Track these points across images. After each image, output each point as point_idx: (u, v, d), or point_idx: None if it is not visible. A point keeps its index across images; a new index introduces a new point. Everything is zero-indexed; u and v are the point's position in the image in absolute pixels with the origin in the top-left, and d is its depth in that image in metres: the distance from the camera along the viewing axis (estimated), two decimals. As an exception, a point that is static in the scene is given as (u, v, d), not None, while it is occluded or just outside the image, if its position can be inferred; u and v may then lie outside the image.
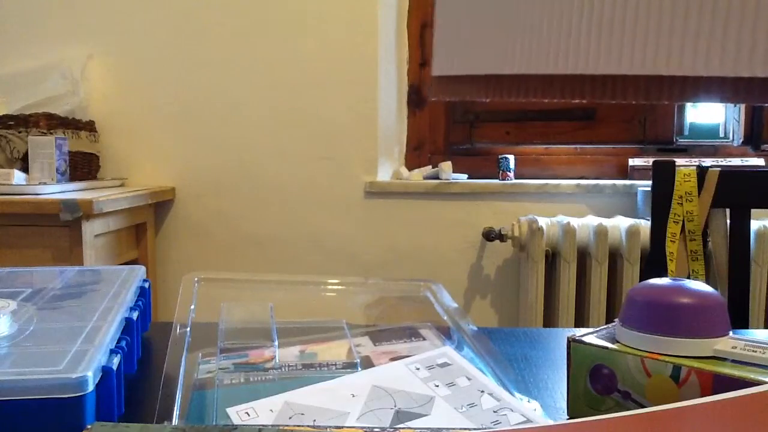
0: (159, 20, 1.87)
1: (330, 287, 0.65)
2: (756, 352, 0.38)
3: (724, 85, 0.20)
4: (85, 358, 0.41)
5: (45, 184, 1.55)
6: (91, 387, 0.38)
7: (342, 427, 0.34)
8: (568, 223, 1.63)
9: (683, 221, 1.11)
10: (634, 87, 0.22)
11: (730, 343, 0.39)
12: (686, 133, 1.90)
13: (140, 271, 0.65)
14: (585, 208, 1.81)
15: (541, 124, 1.92)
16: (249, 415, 0.40)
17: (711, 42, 0.20)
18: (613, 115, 1.90)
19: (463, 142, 1.96)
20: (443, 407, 0.41)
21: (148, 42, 1.88)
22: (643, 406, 0.39)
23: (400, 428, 0.35)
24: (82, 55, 1.87)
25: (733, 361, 0.38)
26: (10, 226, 1.44)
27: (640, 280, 1.02)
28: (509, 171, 1.83)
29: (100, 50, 1.89)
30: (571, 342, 0.43)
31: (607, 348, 0.41)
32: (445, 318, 0.60)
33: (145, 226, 1.82)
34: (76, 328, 0.47)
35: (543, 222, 1.65)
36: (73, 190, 1.60)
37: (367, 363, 0.51)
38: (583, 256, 1.67)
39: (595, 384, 0.42)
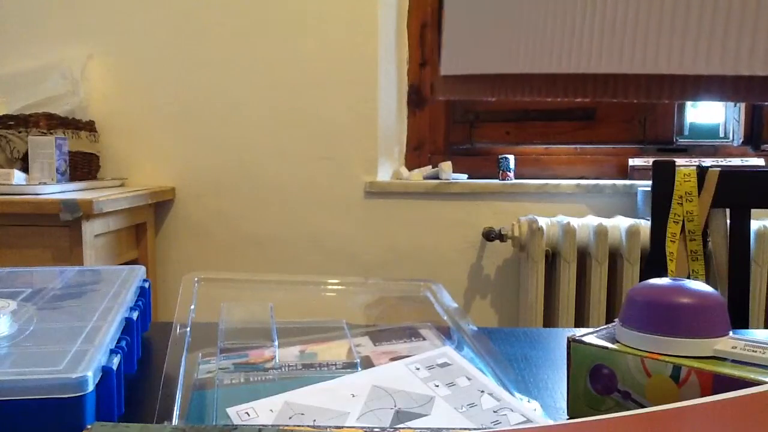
0: (159, 20, 1.87)
1: (330, 287, 0.65)
2: (756, 352, 0.38)
3: (724, 83, 0.20)
4: (85, 358, 0.41)
5: (45, 184, 1.55)
6: (91, 387, 0.38)
7: (342, 427, 0.34)
8: (568, 223, 1.63)
9: (683, 221, 1.11)
10: (635, 86, 0.22)
11: (730, 343, 0.39)
12: (686, 133, 1.90)
13: (140, 271, 0.65)
14: (585, 208, 1.81)
15: (541, 124, 1.92)
16: (249, 415, 0.40)
17: (711, 41, 0.20)
18: (613, 115, 1.90)
19: (463, 142, 1.96)
20: (443, 407, 0.41)
21: (148, 42, 1.88)
22: (643, 406, 0.39)
23: (400, 428, 0.35)
24: (82, 55, 1.87)
25: (733, 361, 0.38)
26: (10, 226, 1.44)
27: (640, 280, 1.02)
28: (509, 171, 1.83)
29: (100, 50, 1.89)
30: (571, 342, 0.43)
31: (607, 348, 0.41)
32: (445, 318, 0.60)
33: (145, 226, 1.82)
34: (76, 328, 0.47)
35: (543, 222, 1.65)
36: (73, 190, 1.60)
37: (367, 363, 0.51)
38: (583, 256, 1.67)
39: (595, 384, 0.42)
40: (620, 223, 1.64)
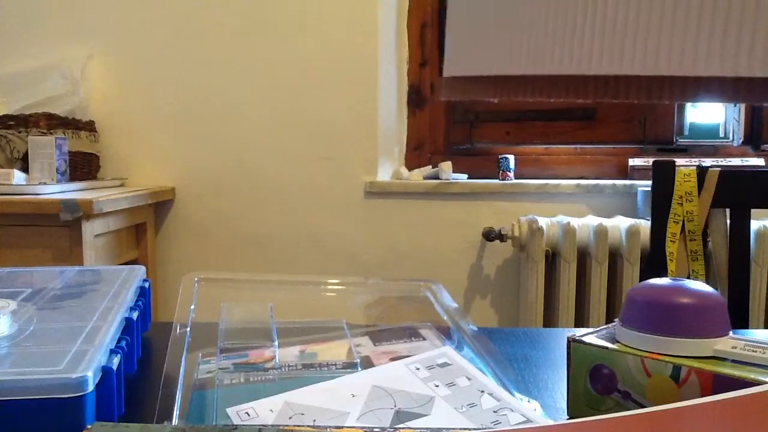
0: (159, 20, 1.87)
1: (330, 287, 0.65)
2: (756, 352, 0.38)
3: (724, 84, 0.20)
4: (85, 358, 0.41)
5: (45, 184, 1.55)
6: (91, 387, 0.38)
7: (342, 427, 0.34)
8: (568, 223, 1.63)
9: (683, 221, 1.11)
10: (636, 86, 0.22)
11: (730, 343, 0.39)
12: (686, 133, 1.90)
13: (140, 271, 0.65)
14: (585, 208, 1.81)
15: (541, 124, 1.92)
16: (249, 415, 0.40)
17: (711, 42, 0.20)
18: (613, 115, 1.90)
19: (463, 142, 1.96)
20: (443, 407, 0.41)
21: (148, 42, 1.88)
22: (643, 406, 0.39)
23: (400, 428, 0.35)
24: (82, 55, 1.87)
25: (733, 361, 0.38)
26: (10, 226, 1.44)
27: (640, 280, 1.02)
28: (509, 171, 1.83)
29: (100, 50, 1.89)
30: (571, 342, 0.43)
31: (607, 348, 0.41)
32: (445, 318, 0.60)
33: (145, 226, 1.82)
34: (76, 328, 0.47)
35: (543, 222, 1.65)
36: (73, 190, 1.60)
37: (367, 363, 0.51)
38: (583, 256, 1.67)
39: (595, 384, 0.42)
40: (620, 223, 1.64)
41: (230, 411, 0.41)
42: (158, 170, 1.91)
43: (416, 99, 1.95)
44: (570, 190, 1.79)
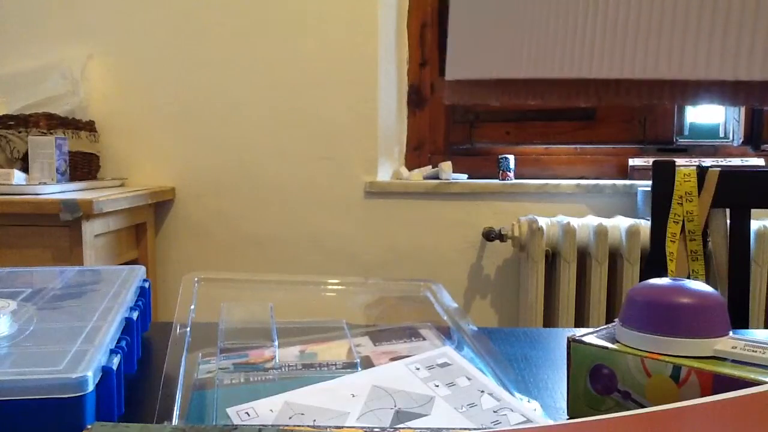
0: (159, 20, 1.87)
1: (330, 287, 0.65)
2: (756, 352, 0.38)
3: (724, 87, 0.21)
4: (85, 358, 0.41)
5: (45, 184, 1.55)
6: (91, 387, 0.38)
7: (342, 427, 0.34)
8: (568, 223, 1.63)
9: (683, 221, 1.11)
10: (637, 89, 0.22)
11: (730, 343, 0.39)
12: (686, 133, 1.90)
13: (140, 271, 0.65)
14: (585, 208, 1.81)
15: (541, 124, 1.92)
16: (249, 415, 0.40)
17: (711, 45, 0.20)
18: (613, 115, 1.90)
19: (463, 142, 1.96)
20: (443, 407, 0.41)
21: (148, 42, 1.88)
22: (643, 406, 0.39)
23: (400, 428, 0.35)
24: (82, 55, 1.87)
25: (733, 361, 0.38)
26: (10, 226, 1.44)
27: (640, 280, 1.02)
28: (509, 171, 1.83)
29: (100, 50, 1.89)
30: (571, 342, 0.43)
31: (607, 348, 0.41)
32: (445, 318, 0.60)
33: (145, 226, 1.82)
34: (76, 328, 0.47)
35: (543, 222, 1.65)
36: (73, 190, 1.60)
37: (367, 363, 0.51)
38: (583, 256, 1.67)
39: (595, 384, 0.42)
40: (620, 223, 1.64)
41: (230, 411, 0.41)
42: (158, 170, 1.91)
43: (416, 99, 1.95)
44: (570, 190, 1.79)
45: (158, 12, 1.87)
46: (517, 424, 0.40)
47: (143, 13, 1.88)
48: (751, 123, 1.86)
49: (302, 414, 0.40)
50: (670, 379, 0.39)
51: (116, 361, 0.43)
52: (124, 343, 0.47)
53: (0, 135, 1.65)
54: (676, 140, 1.89)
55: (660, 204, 1.11)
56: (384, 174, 1.89)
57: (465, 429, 0.37)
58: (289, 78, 1.85)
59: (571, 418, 0.42)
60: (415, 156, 1.97)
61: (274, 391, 0.43)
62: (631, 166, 1.86)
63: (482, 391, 0.43)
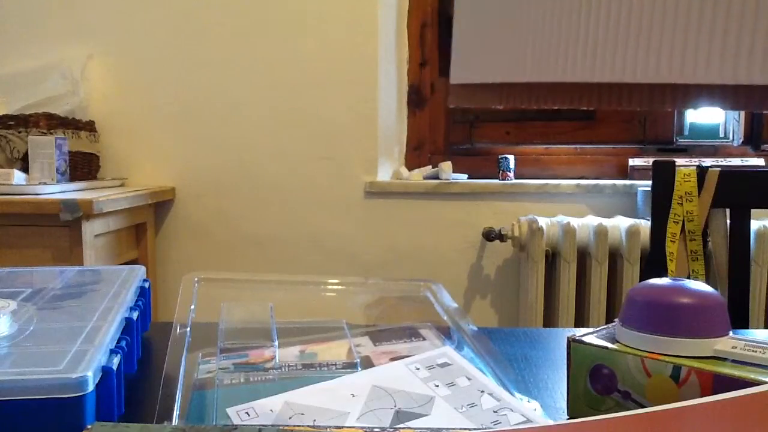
0: (159, 20, 1.87)
1: (330, 287, 0.65)
2: (756, 352, 0.38)
3: (725, 92, 0.21)
4: (85, 358, 0.41)
5: (45, 184, 1.55)
6: (91, 387, 0.38)
7: (342, 427, 0.34)
8: (568, 223, 1.63)
9: (683, 221, 1.11)
10: (638, 94, 0.22)
11: (730, 343, 0.39)
12: (686, 133, 1.90)
13: (140, 271, 0.65)
14: (585, 208, 1.81)
15: (541, 124, 1.92)
16: (249, 415, 0.40)
17: (711, 49, 0.20)
18: (613, 115, 1.90)
19: (463, 142, 1.96)
20: (443, 407, 0.41)
21: (148, 42, 1.88)
22: (643, 406, 0.39)
23: (400, 428, 0.35)
24: (82, 55, 1.87)
25: (733, 361, 0.38)
26: (10, 226, 1.44)
27: (640, 280, 1.02)
28: (509, 171, 1.83)
29: (100, 50, 1.89)
30: (571, 342, 0.43)
31: (607, 348, 0.41)
32: (445, 318, 0.60)
33: (145, 226, 1.82)
34: (76, 328, 0.47)
35: (543, 222, 1.65)
36: (73, 190, 1.60)
37: (367, 363, 0.51)
38: (583, 256, 1.67)
39: (595, 384, 0.42)
40: (620, 223, 1.64)
41: (230, 411, 0.41)
42: (158, 170, 1.91)
43: (416, 99, 1.95)
44: (570, 190, 1.79)
45: (158, 12, 1.87)
46: (517, 424, 0.40)
47: (143, 13, 1.88)
48: (751, 123, 1.86)
49: (302, 414, 0.40)
50: (670, 379, 0.39)
51: (116, 361, 0.43)
52: (124, 343, 0.47)
53: (0, 135, 1.65)
54: (676, 140, 1.89)
55: (660, 204, 1.11)
56: (384, 174, 1.89)
57: (465, 429, 0.37)
58: (289, 78, 1.85)
59: (571, 418, 0.42)
60: (415, 156, 1.97)
61: (274, 391, 0.43)
62: (631, 166, 1.86)
63: (482, 391, 0.43)
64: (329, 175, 1.86)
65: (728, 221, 1.08)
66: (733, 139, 1.89)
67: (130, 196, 1.60)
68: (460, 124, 1.95)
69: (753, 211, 1.07)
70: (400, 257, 1.87)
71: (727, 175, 1.06)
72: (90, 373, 0.38)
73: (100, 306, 0.52)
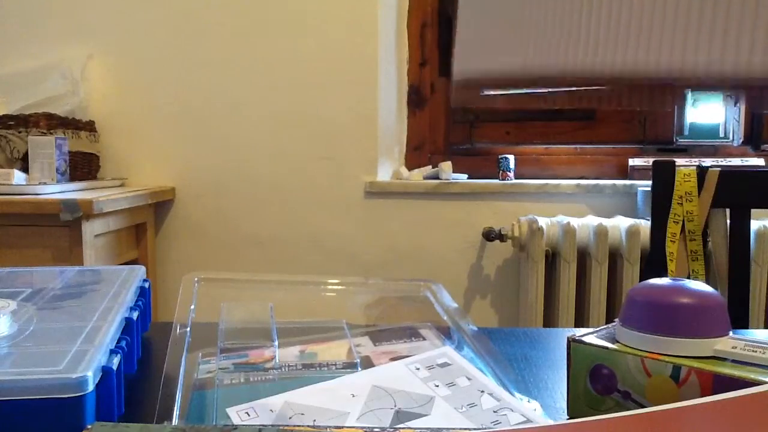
0: (159, 20, 1.87)
1: (330, 287, 0.65)
2: (756, 352, 0.38)
3: (724, 84, 0.21)
4: (85, 358, 0.41)
5: (45, 184, 1.55)
6: (91, 387, 0.38)
7: (342, 427, 0.34)
8: (568, 223, 1.63)
9: (683, 221, 1.11)
10: (638, 92, 0.22)
11: (730, 343, 0.39)
12: (686, 133, 1.90)
13: (140, 271, 0.65)
14: (585, 208, 1.81)
15: (541, 124, 1.92)
16: (249, 415, 0.40)
17: (711, 45, 0.20)
18: (613, 115, 1.90)
19: (463, 142, 1.96)
20: (443, 407, 0.41)
21: (148, 42, 1.88)
22: (643, 406, 0.39)
23: (400, 428, 0.35)
24: (82, 55, 1.87)
25: (733, 361, 0.38)
26: (10, 226, 1.44)
27: (640, 280, 1.02)
28: (509, 171, 1.83)
29: (100, 50, 1.89)
30: (571, 342, 0.43)
31: (607, 348, 0.41)
32: (445, 318, 0.60)
33: (145, 226, 1.82)
34: (76, 328, 0.47)
35: (543, 222, 1.65)
36: (73, 190, 1.60)
37: (367, 363, 0.51)
38: (583, 256, 1.67)
39: (595, 384, 0.42)
40: (620, 223, 1.64)
41: (230, 411, 0.41)
42: (158, 170, 1.91)
43: (416, 99, 1.95)
44: (570, 190, 1.79)
45: (158, 12, 1.87)
46: (517, 424, 0.40)
47: (143, 13, 1.88)
48: (751, 123, 1.86)
49: (302, 414, 0.40)
50: (670, 379, 0.39)
51: (116, 361, 0.43)
52: (124, 343, 0.47)
53: (0, 135, 1.65)
54: (676, 140, 1.89)
55: (660, 204, 1.11)
56: (384, 174, 1.89)
57: (465, 429, 0.37)
58: (289, 78, 1.85)
59: (571, 418, 0.42)
60: (415, 156, 1.97)
61: (274, 391, 0.43)
62: (631, 166, 1.86)
63: (482, 391, 0.43)
64: (329, 175, 1.86)
65: (728, 221, 1.08)
66: (733, 139, 1.89)
67: (130, 196, 1.60)
68: (460, 124, 1.95)
69: (753, 211, 1.07)
70: (400, 257, 1.87)
71: (727, 175, 1.06)
72: (90, 373, 0.38)
73: (100, 306, 0.52)
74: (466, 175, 1.90)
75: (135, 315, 0.54)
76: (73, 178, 1.71)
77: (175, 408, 0.40)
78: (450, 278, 1.86)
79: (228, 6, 1.85)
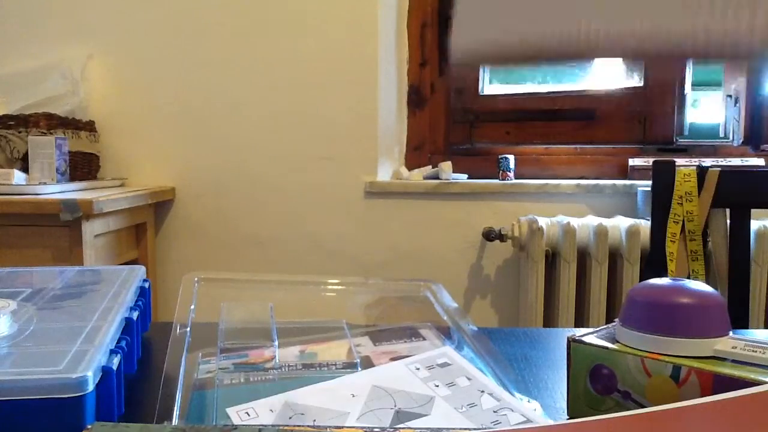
0: (159, 20, 1.87)
1: (330, 287, 0.65)
2: (756, 352, 0.38)
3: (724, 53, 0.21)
4: (85, 358, 0.41)
5: (45, 184, 1.55)
6: (91, 387, 0.38)
7: (342, 427, 0.34)
8: (568, 223, 1.63)
9: (683, 221, 1.11)
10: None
11: (730, 343, 0.39)
12: (686, 133, 1.90)
13: (140, 271, 0.65)
14: (585, 208, 1.81)
15: (541, 124, 1.92)
16: (249, 415, 0.40)
17: (712, 13, 0.20)
18: (613, 115, 1.90)
19: (463, 142, 1.96)
20: (443, 407, 0.41)
21: (148, 42, 1.88)
22: (643, 406, 0.39)
23: (400, 428, 0.35)
24: (82, 55, 1.87)
25: (733, 361, 0.38)
26: (10, 226, 1.44)
27: (640, 280, 1.02)
28: (509, 171, 1.83)
29: (100, 50, 1.89)
30: (571, 342, 0.43)
31: (607, 348, 0.41)
32: (445, 318, 0.60)
33: (145, 226, 1.82)
34: (76, 328, 0.47)
35: (543, 222, 1.65)
36: (73, 190, 1.60)
37: (367, 363, 0.51)
38: (583, 256, 1.67)
39: (595, 384, 0.42)
40: (620, 223, 1.64)
41: (230, 411, 0.41)
42: (158, 170, 1.91)
43: (416, 99, 1.95)
44: (570, 190, 1.79)
45: (158, 12, 1.87)
46: (517, 424, 0.40)
47: (143, 13, 1.88)
48: (751, 123, 1.86)
49: (302, 414, 0.40)
50: (670, 379, 0.39)
51: (116, 361, 0.43)
52: (124, 343, 0.47)
53: (0, 135, 1.65)
54: (676, 140, 1.89)
55: (660, 204, 1.11)
56: (384, 174, 1.89)
57: (465, 429, 0.37)
58: (289, 78, 1.85)
59: (571, 418, 0.42)
60: (415, 156, 1.97)
61: (274, 391, 0.43)
62: (631, 166, 1.86)
63: (482, 391, 0.43)
64: (329, 175, 1.86)
65: (728, 221, 1.08)
66: (733, 139, 1.89)
67: (130, 196, 1.60)
68: (460, 124, 1.95)
69: (753, 211, 1.07)
70: (400, 257, 1.87)
71: (727, 175, 1.06)
72: (90, 373, 0.38)
73: (100, 306, 0.52)
74: (466, 175, 1.90)
75: (135, 315, 0.54)
76: (73, 178, 1.71)
77: (175, 408, 0.40)
78: (450, 278, 1.86)
79: (228, 6, 1.85)
